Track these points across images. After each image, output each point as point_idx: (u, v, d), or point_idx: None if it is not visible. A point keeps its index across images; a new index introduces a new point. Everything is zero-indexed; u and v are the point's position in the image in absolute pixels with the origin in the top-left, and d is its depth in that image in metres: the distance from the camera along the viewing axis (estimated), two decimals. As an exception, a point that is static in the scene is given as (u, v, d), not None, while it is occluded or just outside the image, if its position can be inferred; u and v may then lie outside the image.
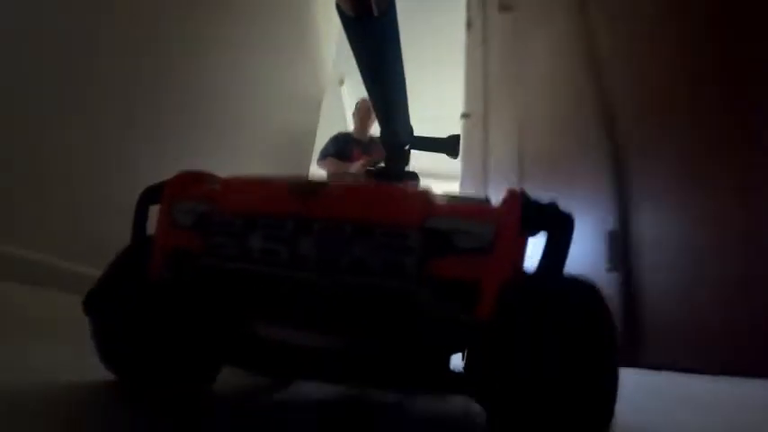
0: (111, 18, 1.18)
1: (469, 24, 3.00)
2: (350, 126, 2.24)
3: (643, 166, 0.82)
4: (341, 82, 4.31)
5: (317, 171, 2.28)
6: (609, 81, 0.88)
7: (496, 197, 1.19)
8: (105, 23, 1.16)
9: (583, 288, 0.36)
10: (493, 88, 1.76)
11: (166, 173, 0.46)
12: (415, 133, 0.84)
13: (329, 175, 2.13)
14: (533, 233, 0.36)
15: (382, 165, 0.89)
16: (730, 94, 0.68)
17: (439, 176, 2.84)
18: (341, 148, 2.14)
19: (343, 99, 4.46)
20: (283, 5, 2.31)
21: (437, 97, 3.70)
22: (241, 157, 2.05)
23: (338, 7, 0.38)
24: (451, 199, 0.39)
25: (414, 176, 0.86)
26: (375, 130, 1.88)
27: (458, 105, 3.26)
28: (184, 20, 1.49)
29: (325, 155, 2.17)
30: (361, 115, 2.18)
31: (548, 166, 1.21)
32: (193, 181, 0.43)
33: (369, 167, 1.04)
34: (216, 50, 1.76)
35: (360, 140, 2.15)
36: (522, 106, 1.42)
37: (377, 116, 0.67)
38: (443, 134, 0.96)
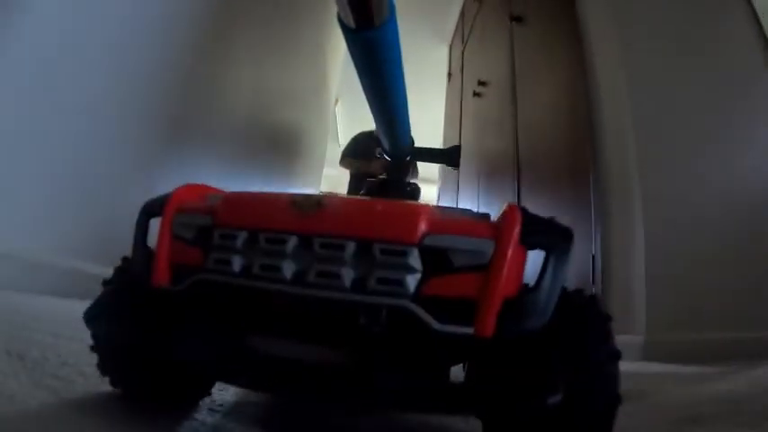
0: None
1: (450, 75, 3.35)
2: (341, 140, 2.38)
3: (525, 182, 1.64)
4: (336, 101, 4.49)
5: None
6: (520, 148, 1.73)
7: (464, 200, 2.09)
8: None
9: (584, 301, 0.37)
10: (464, 136, 2.48)
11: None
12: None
13: (350, 176, 2.23)
14: (533, 248, 0.36)
15: (383, 176, 0.89)
16: (558, 165, 1.57)
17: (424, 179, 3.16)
18: (361, 147, 2.14)
19: (337, 117, 4.80)
20: (301, 27, 2.52)
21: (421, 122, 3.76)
22: (257, 167, 2.09)
23: (339, 19, 0.38)
24: (451, 213, 0.39)
25: (415, 187, 0.87)
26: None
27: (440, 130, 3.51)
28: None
29: (344, 155, 2.21)
30: None
31: (488, 185, 2.06)
32: (195, 194, 0.44)
33: (370, 179, 0.98)
34: (237, 66, 1.79)
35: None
36: (480, 149, 2.31)
37: (377, 127, 0.67)
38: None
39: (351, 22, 0.37)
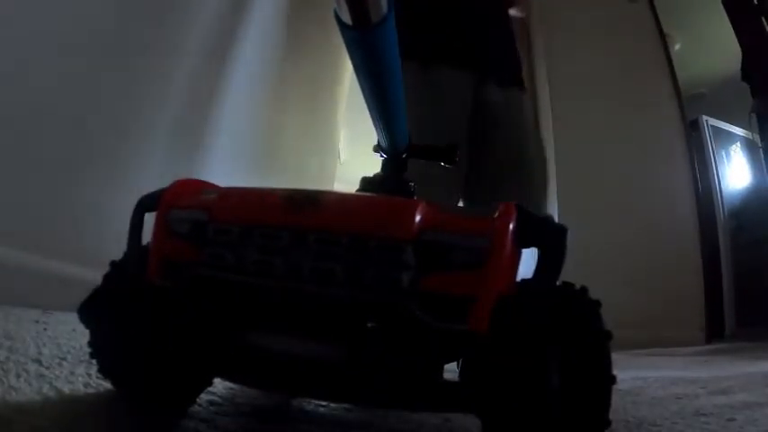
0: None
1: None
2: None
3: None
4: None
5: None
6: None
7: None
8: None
9: (577, 296, 0.37)
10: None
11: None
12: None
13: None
14: (528, 245, 0.36)
15: (379, 173, 0.87)
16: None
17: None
18: None
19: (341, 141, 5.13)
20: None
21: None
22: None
23: (336, 16, 0.37)
24: (447, 210, 0.38)
25: (410, 186, 0.84)
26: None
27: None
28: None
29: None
30: None
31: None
32: (191, 189, 0.43)
33: (365, 177, 0.84)
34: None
35: None
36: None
37: (374, 124, 0.64)
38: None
39: (347, 19, 0.37)
